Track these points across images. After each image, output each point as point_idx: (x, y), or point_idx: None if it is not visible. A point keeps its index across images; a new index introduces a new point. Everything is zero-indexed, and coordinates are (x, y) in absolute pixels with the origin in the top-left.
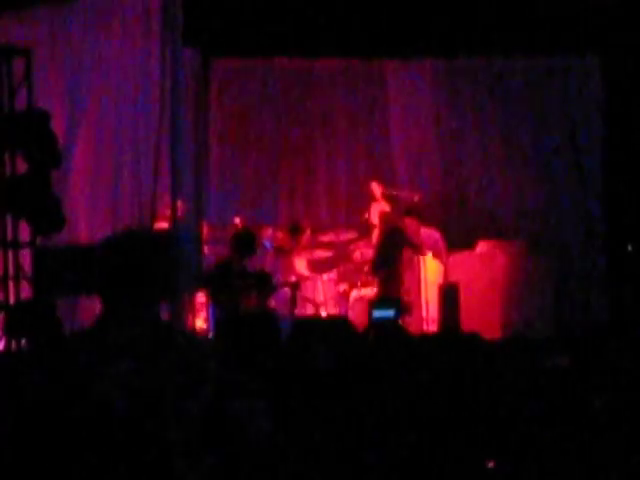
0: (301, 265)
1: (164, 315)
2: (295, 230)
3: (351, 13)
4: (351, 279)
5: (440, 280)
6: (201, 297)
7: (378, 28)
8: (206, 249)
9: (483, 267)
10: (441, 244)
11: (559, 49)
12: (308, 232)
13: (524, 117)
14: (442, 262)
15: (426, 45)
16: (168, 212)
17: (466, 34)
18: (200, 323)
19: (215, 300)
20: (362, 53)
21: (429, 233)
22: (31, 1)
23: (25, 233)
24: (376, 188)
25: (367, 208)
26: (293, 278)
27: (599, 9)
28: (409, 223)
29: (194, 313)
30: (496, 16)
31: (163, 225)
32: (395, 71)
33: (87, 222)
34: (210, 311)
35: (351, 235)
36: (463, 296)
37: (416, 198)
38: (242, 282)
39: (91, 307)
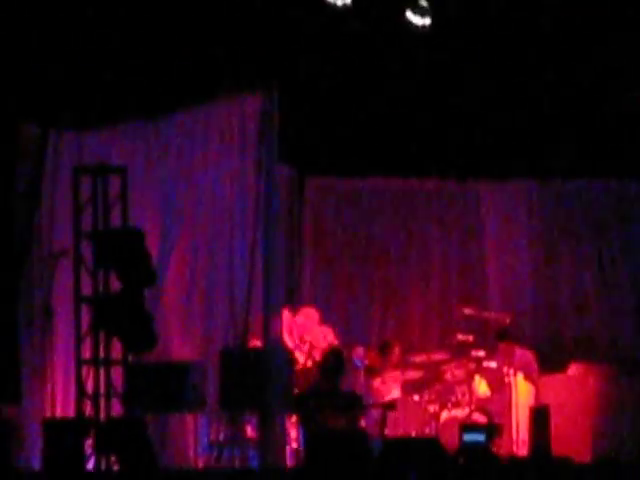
0: (395, 388)
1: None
2: (384, 348)
3: (446, 134)
4: (442, 400)
5: (531, 402)
6: (292, 417)
7: (474, 149)
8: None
9: (575, 390)
10: (534, 365)
11: None
12: (397, 350)
13: (619, 240)
14: (534, 384)
15: (521, 167)
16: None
17: (561, 156)
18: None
19: (304, 421)
20: (457, 173)
21: (523, 354)
22: (127, 117)
23: (117, 350)
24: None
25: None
26: (384, 398)
27: None
28: (502, 346)
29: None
30: (590, 139)
31: (257, 343)
32: (490, 192)
33: (180, 339)
34: (300, 431)
35: (443, 356)
36: (554, 419)
37: (507, 320)
38: (331, 402)
39: (180, 424)
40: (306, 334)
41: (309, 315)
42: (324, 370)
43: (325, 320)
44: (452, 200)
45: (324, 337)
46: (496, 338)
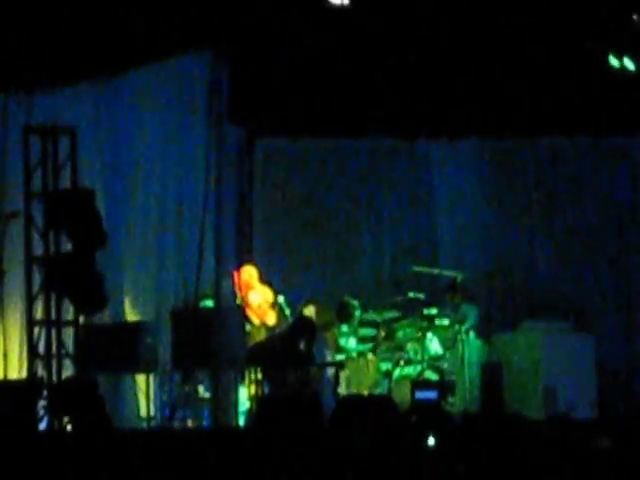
0: (351, 344)
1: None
2: (343, 309)
3: (397, 93)
4: (394, 358)
5: (483, 359)
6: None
7: (423, 108)
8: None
9: (526, 347)
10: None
11: (611, 129)
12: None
13: (570, 197)
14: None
15: (471, 125)
16: None
17: (512, 113)
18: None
19: (265, 376)
20: (407, 133)
21: (470, 309)
22: (76, 78)
23: (69, 311)
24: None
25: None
26: (337, 357)
27: None
28: (450, 299)
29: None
30: (541, 95)
31: (210, 303)
32: (440, 151)
33: (131, 300)
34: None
35: (395, 314)
36: (506, 376)
37: (459, 278)
38: (285, 360)
39: (133, 384)
40: (250, 293)
41: (251, 273)
42: (294, 334)
43: (275, 279)
44: (402, 159)
45: (266, 296)
46: (444, 291)
